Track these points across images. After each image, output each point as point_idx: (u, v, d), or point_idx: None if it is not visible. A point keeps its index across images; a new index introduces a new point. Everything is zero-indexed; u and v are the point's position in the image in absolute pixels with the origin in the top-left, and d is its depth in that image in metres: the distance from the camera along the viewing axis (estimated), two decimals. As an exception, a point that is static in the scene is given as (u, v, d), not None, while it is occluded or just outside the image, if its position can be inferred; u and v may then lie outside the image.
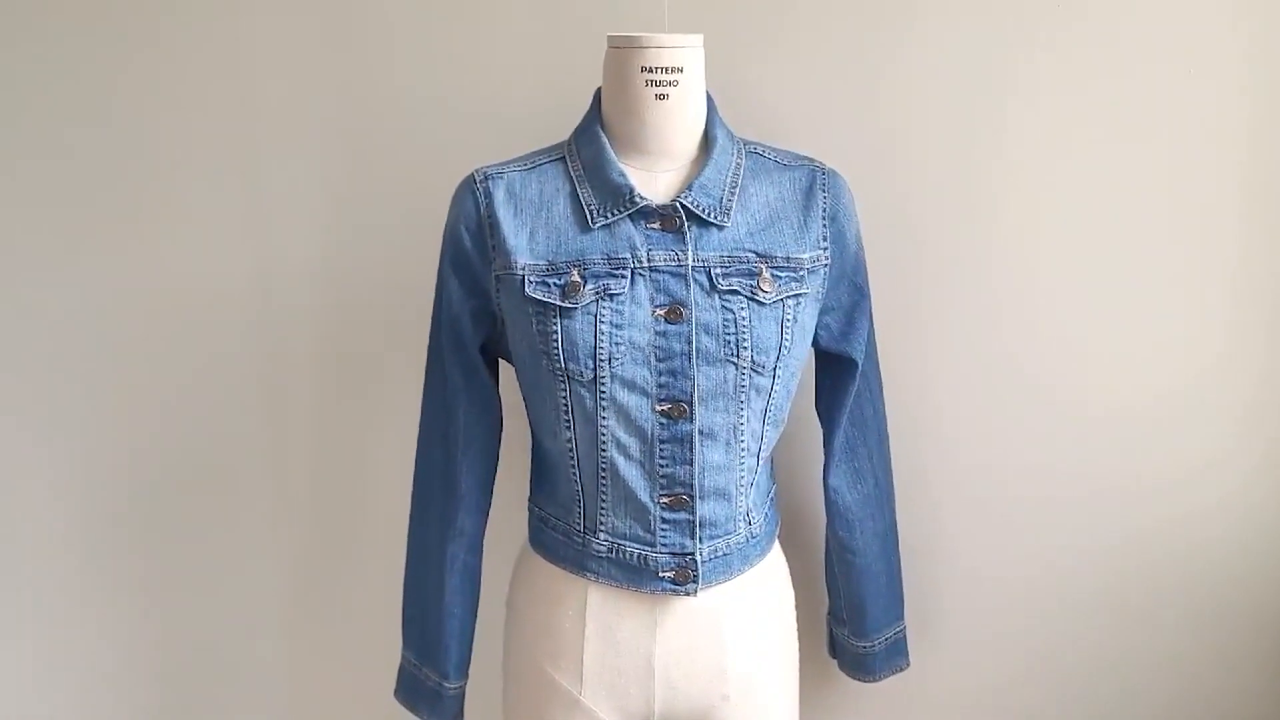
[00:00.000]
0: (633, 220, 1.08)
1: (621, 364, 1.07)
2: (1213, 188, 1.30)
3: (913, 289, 1.37)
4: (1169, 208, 1.31)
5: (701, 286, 1.07)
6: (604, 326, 1.06)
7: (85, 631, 1.66)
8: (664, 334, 1.07)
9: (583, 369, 1.07)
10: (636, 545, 1.12)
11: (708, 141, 1.13)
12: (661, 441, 1.09)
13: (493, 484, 1.23)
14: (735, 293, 1.08)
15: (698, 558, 1.12)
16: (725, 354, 1.08)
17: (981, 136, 1.33)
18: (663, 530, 1.11)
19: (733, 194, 1.11)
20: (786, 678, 1.23)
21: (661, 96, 1.10)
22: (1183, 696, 1.42)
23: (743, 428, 1.10)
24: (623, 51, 1.10)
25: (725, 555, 1.14)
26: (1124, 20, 1.28)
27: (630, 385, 1.08)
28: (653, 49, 1.08)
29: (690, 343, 1.07)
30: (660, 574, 1.12)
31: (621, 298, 1.07)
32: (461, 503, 1.20)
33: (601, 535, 1.13)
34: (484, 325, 1.16)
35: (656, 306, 1.07)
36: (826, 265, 1.14)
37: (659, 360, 1.07)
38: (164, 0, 1.45)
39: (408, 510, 1.26)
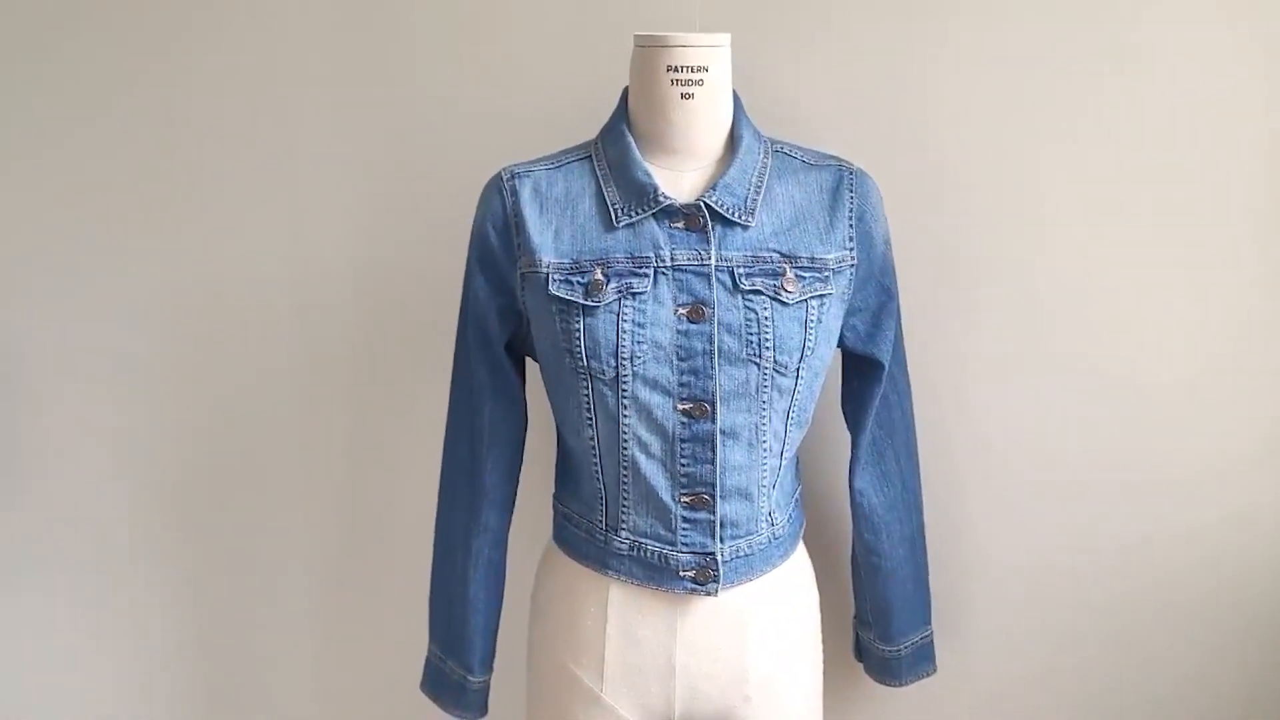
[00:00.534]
0: (657, 219, 1.09)
1: (644, 363, 1.07)
2: (1250, 175, 1.27)
3: (943, 290, 1.35)
4: (1206, 199, 1.28)
5: (724, 286, 1.07)
6: (626, 325, 1.07)
7: (134, 616, 1.70)
8: (686, 333, 1.07)
9: (605, 367, 1.07)
10: (658, 544, 1.12)
11: (733, 141, 1.13)
12: (683, 440, 1.09)
13: (517, 480, 1.24)
14: (758, 293, 1.07)
15: (719, 557, 1.11)
16: (747, 354, 1.07)
17: (1012, 135, 1.31)
18: (684, 529, 1.11)
19: (758, 193, 1.10)
20: (809, 680, 1.22)
21: (687, 96, 1.10)
22: (1219, 711, 1.39)
23: (765, 428, 1.10)
24: (648, 51, 1.10)
25: (747, 555, 1.14)
26: (1155, 20, 1.26)
27: (652, 384, 1.08)
28: (678, 48, 1.08)
29: (712, 342, 1.07)
30: (681, 573, 1.12)
31: (644, 296, 1.07)
32: (486, 498, 1.21)
33: (623, 533, 1.13)
34: (509, 323, 1.17)
35: (679, 306, 1.07)
36: (853, 266, 1.13)
37: (681, 359, 1.07)
38: (202, 5, 1.48)
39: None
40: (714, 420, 1.08)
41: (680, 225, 1.08)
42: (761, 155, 1.13)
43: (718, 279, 1.07)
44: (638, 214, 1.08)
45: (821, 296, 1.10)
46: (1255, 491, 1.34)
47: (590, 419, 1.11)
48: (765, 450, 1.11)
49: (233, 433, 1.61)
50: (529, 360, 1.22)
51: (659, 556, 1.12)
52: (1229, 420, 1.33)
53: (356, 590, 1.63)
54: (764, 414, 1.10)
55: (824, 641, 1.31)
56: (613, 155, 1.12)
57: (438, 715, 1.31)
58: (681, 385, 1.08)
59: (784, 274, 1.08)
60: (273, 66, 1.48)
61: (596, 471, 1.13)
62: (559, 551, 1.21)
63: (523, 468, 1.26)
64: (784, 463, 1.14)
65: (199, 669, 1.71)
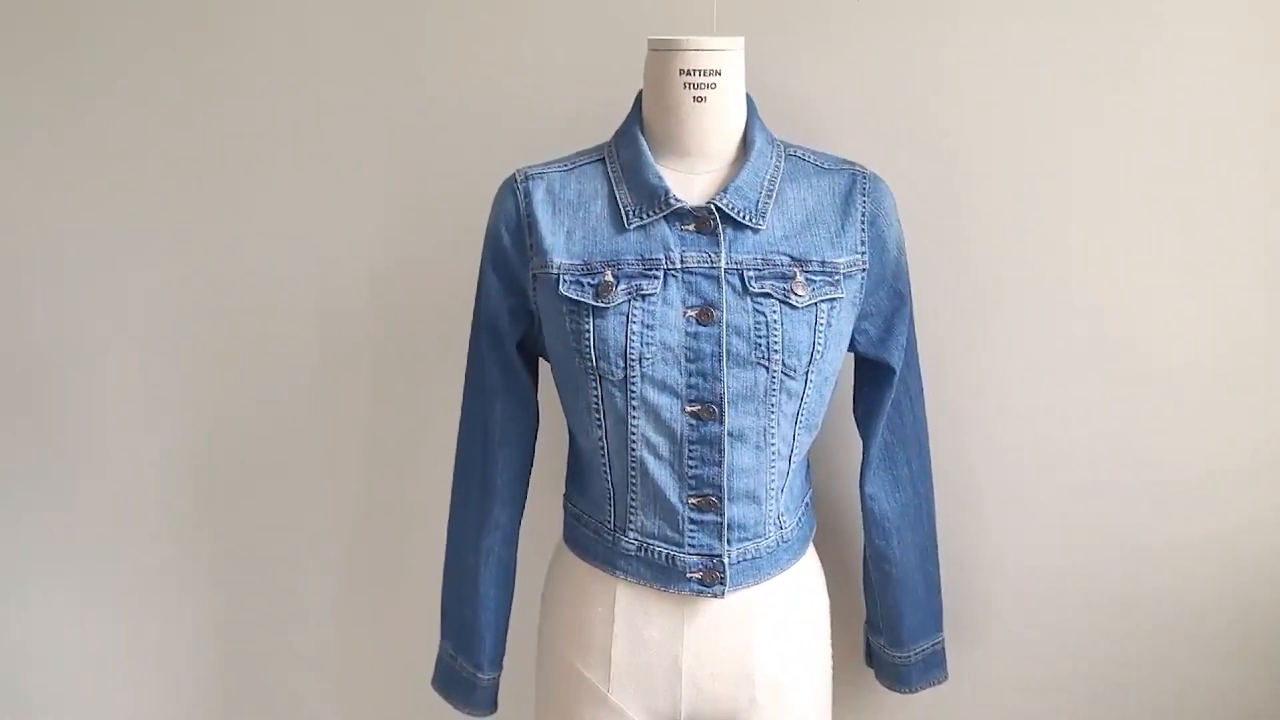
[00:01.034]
0: (668, 221, 1.09)
1: (652, 364, 1.08)
2: (1274, 175, 1.25)
3: (958, 295, 1.34)
4: (1227, 200, 1.27)
5: (734, 289, 1.08)
6: (635, 326, 1.07)
7: (156, 614, 1.73)
8: (695, 335, 1.07)
9: (613, 368, 1.08)
10: (665, 545, 1.13)
11: (746, 144, 1.13)
12: (691, 442, 1.09)
13: (528, 479, 1.25)
14: (767, 295, 1.07)
15: (725, 560, 1.12)
16: (756, 357, 1.07)
17: (1028, 138, 1.30)
18: (691, 531, 1.12)
19: (769, 197, 1.10)
20: (817, 684, 1.22)
21: (700, 99, 1.10)
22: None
23: (773, 431, 1.10)
24: (661, 54, 1.10)
25: (754, 558, 1.14)
26: (1173, 21, 1.25)
27: (660, 385, 1.08)
28: (691, 51, 1.09)
29: (720, 344, 1.07)
30: (688, 575, 1.12)
31: (653, 298, 1.08)
32: (497, 497, 1.22)
33: (631, 534, 1.14)
34: (521, 323, 1.18)
35: (688, 308, 1.08)
36: (864, 270, 1.13)
37: (689, 361, 1.08)
38: (226, 8, 1.51)
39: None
40: (722, 422, 1.08)
41: (691, 228, 1.09)
42: (774, 159, 1.13)
43: (727, 281, 1.07)
44: (649, 216, 1.09)
45: (832, 300, 1.10)
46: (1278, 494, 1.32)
47: (599, 420, 1.11)
48: (773, 453, 1.11)
49: (253, 432, 1.63)
50: (542, 360, 1.23)
51: (666, 557, 1.13)
52: (1250, 423, 1.31)
53: (376, 587, 1.64)
54: (772, 417, 1.10)
55: (835, 647, 1.30)
56: (625, 157, 1.13)
57: (454, 712, 1.33)
58: (690, 387, 1.08)
59: (794, 277, 1.08)
60: (295, 69, 1.50)
61: (605, 472, 1.14)
62: (568, 551, 1.22)
63: (536, 467, 1.27)
64: (793, 466, 1.14)
65: (221, 665, 1.73)
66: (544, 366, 1.23)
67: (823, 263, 1.10)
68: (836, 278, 1.10)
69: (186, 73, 1.53)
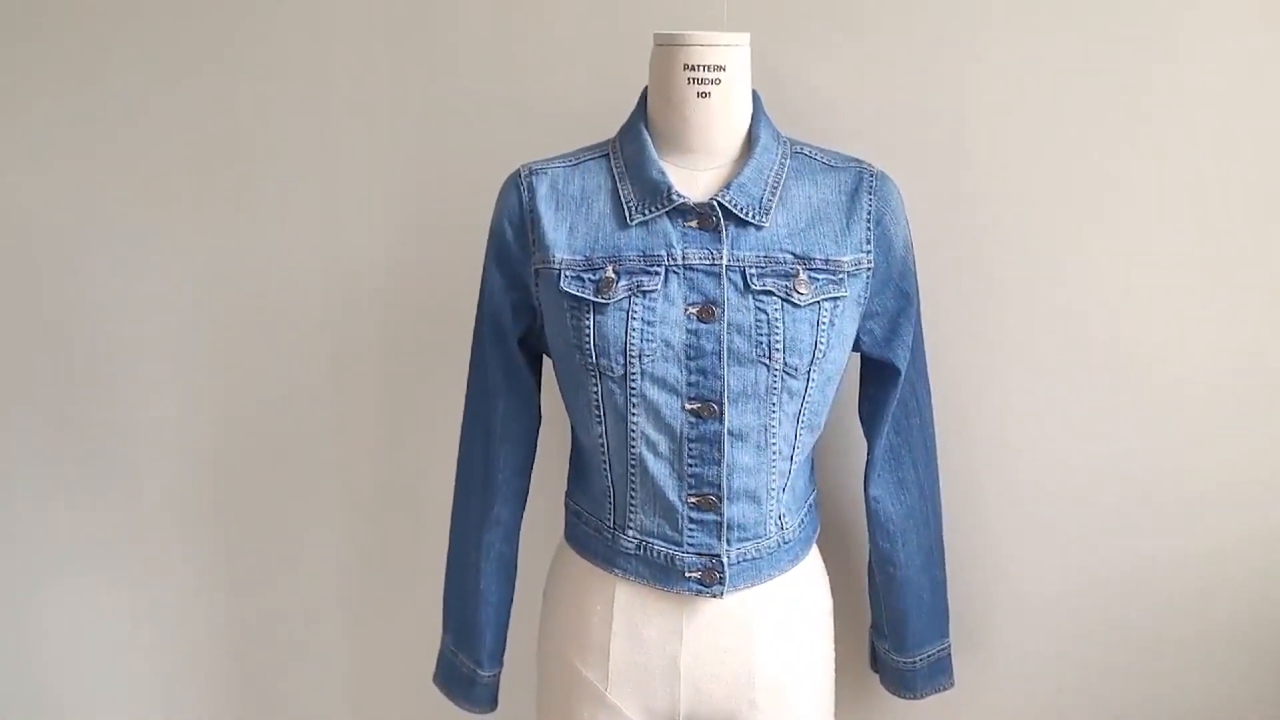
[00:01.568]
0: (670, 218, 1.08)
1: (652, 361, 1.07)
2: None
3: (968, 296, 1.33)
4: (1244, 203, 1.24)
5: (735, 286, 1.07)
6: (635, 323, 1.07)
7: (166, 609, 1.75)
8: (695, 332, 1.07)
9: (613, 364, 1.07)
10: (664, 544, 1.12)
11: (751, 140, 1.12)
12: (690, 440, 1.08)
13: (530, 475, 1.25)
14: (769, 293, 1.06)
15: (724, 560, 1.11)
16: (757, 355, 1.06)
17: (1042, 138, 1.28)
18: (690, 530, 1.11)
19: (773, 194, 1.09)
20: (819, 688, 1.20)
21: (704, 95, 1.09)
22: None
23: (774, 430, 1.09)
24: (666, 49, 1.10)
25: (755, 559, 1.13)
26: (1188, 21, 1.22)
27: (660, 383, 1.07)
28: (696, 47, 1.08)
29: (721, 342, 1.06)
30: (687, 574, 1.11)
31: (654, 295, 1.07)
32: (498, 492, 1.22)
33: (630, 532, 1.13)
34: (524, 318, 1.17)
35: (689, 305, 1.07)
36: (869, 269, 1.12)
37: (689, 359, 1.07)
38: (239, 11, 1.52)
39: (457, 498, 1.29)
40: (722, 421, 1.07)
41: (693, 224, 1.08)
42: (779, 155, 1.12)
43: (729, 279, 1.06)
44: (651, 212, 1.08)
45: (835, 299, 1.09)
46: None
47: (599, 416, 1.11)
48: (775, 453, 1.10)
49: (264, 428, 1.64)
50: (545, 356, 1.23)
51: (665, 557, 1.12)
52: (1267, 434, 1.28)
53: (388, 582, 1.65)
54: (773, 416, 1.09)
55: (840, 650, 1.29)
56: (629, 153, 1.12)
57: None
58: (690, 385, 1.07)
59: (797, 275, 1.07)
60: (308, 70, 1.51)
61: (605, 469, 1.13)
62: (569, 549, 1.22)
63: (541, 464, 1.27)
64: (795, 466, 1.13)
65: (233, 659, 1.75)
66: (547, 362, 1.22)
67: (826, 261, 1.09)
68: (840, 276, 1.09)
69: (201, 76, 1.55)
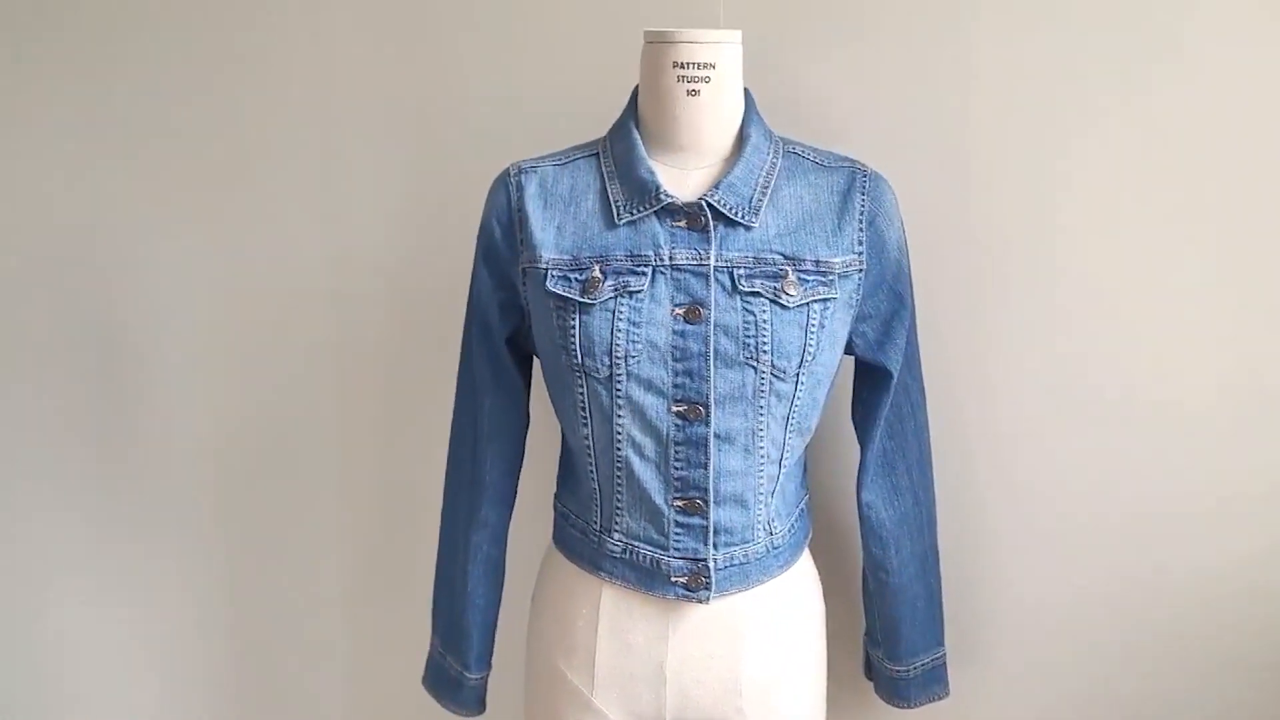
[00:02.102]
0: (659, 217, 1.07)
1: (638, 362, 1.05)
2: None
3: (965, 299, 1.30)
4: (1245, 210, 1.21)
5: (723, 287, 1.05)
6: (621, 324, 1.05)
7: (170, 611, 1.75)
8: (682, 334, 1.05)
9: (599, 365, 1.06)
10: (650, 548, 1.10)
11: (742, 140, 1.11)
12: (677, 443, 1.07)
13: (518, 476, 1.24)
14: (757, 295, 1.05)
15: (711, 565, 1.09)
16: (744, 357, 1.05)
17: (1040, 139, 1.25)
18: (676, 534, 1.09)
19: (763, 194, 1.08)
20: (809, 696, 1.18)
21: (693, 93, 1.08)
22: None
23: (762, 433, 1.07)
24: (656, 47, 1.08)
25: (742, 564, 1.11)
26: (1186, 25, 1.20)
27: (647, 384, 1.06)
28: (685, 44, 1.07)
29: (708, 344, 1.05)
30: (673, 579, 1.10)
31: (641, 295, 1.05)
32: (485, 493, 1.21)
33: (616, 535, 1.12)
34: (511, 318, 1.16)
35: (676, 306, 1.05)
36: (861, 271, 1.10)
37: (676, 360, 1.05)
38: (241, 12, 1.52)
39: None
40: (708, 424, 1.06)
41: (682, 224, 1.06)
42: (771, 155, 1.10)
43: (716, 279, 1.05)
44: (639, 211, 1.07)
45: (825, 300, 1.07)
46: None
47: (585, 418, 1.09)
48: (763, 457, 1.08)
49: (266, 426, 1.64)
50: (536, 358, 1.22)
51: (651, 561, 1.10)
52: (1268, 444, 1.25)
53: (388, 581, 1.64)
54: (761, 419, 1.07)
55: (835, 659, 1.27)
56: (619, 152, 1.11)
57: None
58: (676, 386, 1.06)
59: (786, 276, 1.05)
60: (309, 69, 1.51)
61: (592, 471, 1.12)
62: (557, 552, 1.20)
63: (534, 467, 1.26)
64: (784, 470, 1.11)
65: (232, 657, 1.75)
66: (537, 364, 1.21)
67: (817, 262, 1.07)
68: (831, 278, 1.07)
69: (204, 79, 1.55)
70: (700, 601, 1.10)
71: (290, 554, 1.68)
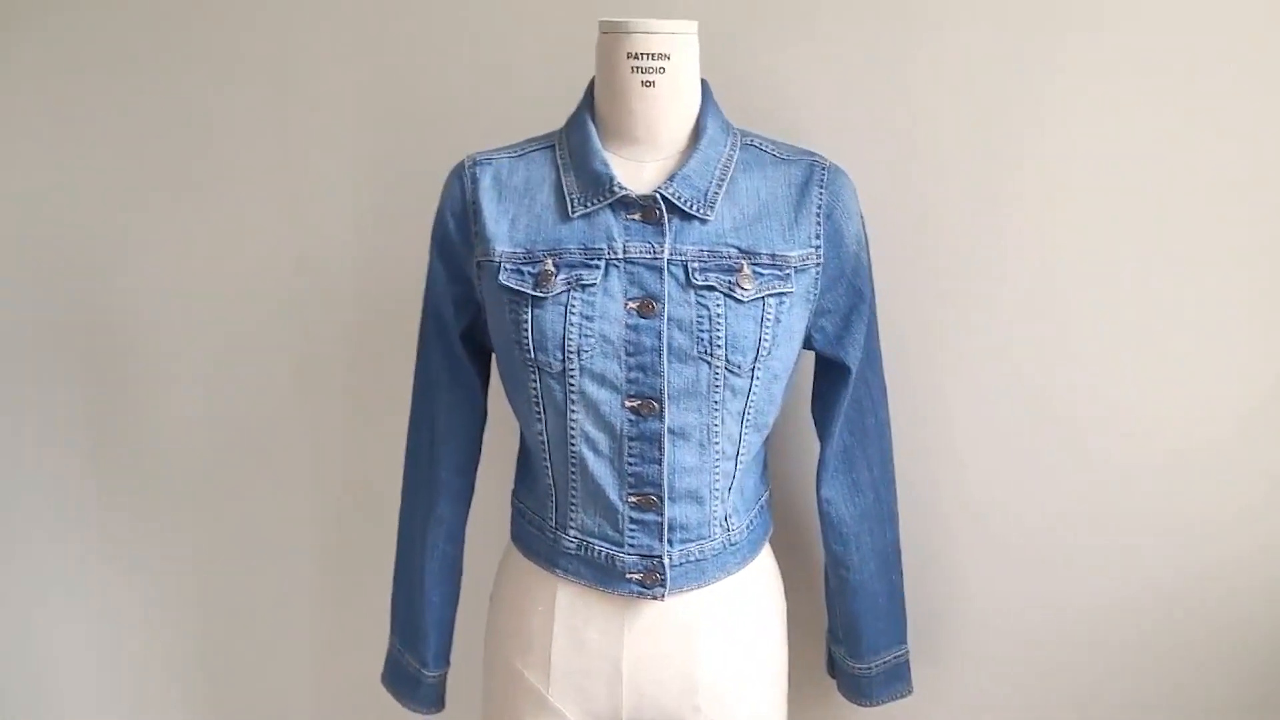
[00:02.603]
0: (613, 210, 1.05)
1: (591, 357, 1.04)
2: (1256, 180, 1.18)
3: (927, 293, 1.29)
4: (1208, 205, 1.20)
5: (677, 280, 1.04)
6: (574, 318, 1.04)
7: (136, 600, 1.74)
8: (635, 328, 1.04)
9: (551, 360, 1.05)
10: (604, 544, 1.09)
11: (698, 132, 1.09)
12: (630, 439, 1.06)
13: (474, 473, 1.22)
14: (711, 288, 1.03)
15: (665, 561, 1.08)
16: (698, 351, 1.03)
17: (1004, 137, 1.24)
18: (631, 530, 1.08)
19: (719, 187, 1.06)
20: (768, 695, 1.17)
21: (648, 84, 1.06)
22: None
23: (717, 429, 1.06)
24: (610, 37, 1.07)
25: (698, 560, 1.10)
26: (1145, 18, 1.18)
27: (600, 379, 1.05)
28: (639, 34, 1.05)
29: (661, 338, 1.03)
30: (628, 575, 1.09)
31: (594, 289, 1.04)
32: (440, 490, 1.20)
33: (571, 532, 1.10)
34: (466, 313, 1.15)
35: (629, 299, 1.04)
36: (819, 265, 1.09)
37: (629, 355, 1.04)
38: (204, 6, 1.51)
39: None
40: (662, 419, 1.05)
41: (636, 217, 1.05)
42: (728, 148, 1.09)
43: (670, 273, 1.04)
44: (593, 204, 1.05)
45: (781, 295, 1.06)
46: (1266, 525, 1.25)
47: (540, 413, 1.08)
48: (719, 452, 1.07)
49: (231, 425, 1.63)
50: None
51: (606, 557, 1.09)
52: (1239, 440, 1.24)
53: (356, 580, 1.63)
54: (716, 414, 1.06)
55: (799, 656, 1.26)
56: (574, 144, 1.09)
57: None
58: (629, 381, 1.05)
59: (740, 270, 1.04)
60: (274, 65, 1.50)
61: (547, 467, 1.10)
62: (515, 549, 1.19)
63: (497, 464, 1.24)
64: (741, 466, 1.10)
65: (201, 657, 1.74)
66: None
67: (773, 256, 1.06)
68: (787, 271, 1.06)
69: (168, 74, 1.54)
70: (656, 598, 1.09)
71: (258, 551, 1.67)
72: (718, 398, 1.05)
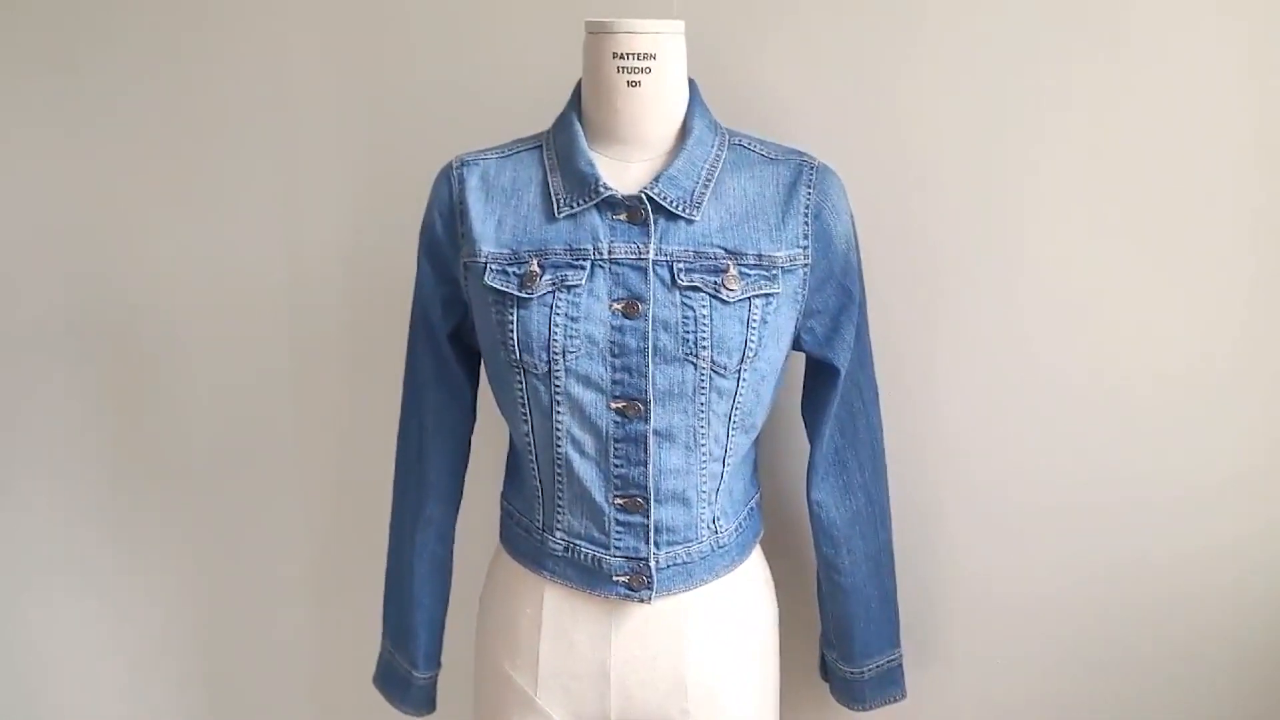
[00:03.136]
0: (599, 211, 1.05)
1: (576, 358, 1.04)
2: (1244, 173, 1.17)
3: (918, 293, 1.28)
4: (1197, 198, 1.18)
5: (662, 281, 1.03)
6: (559, 319, 1.03)
7: (135, 598, 1.75)
8: (620, 329, 1.03)
9: (537, 361, 1.04)
10: (591, 546, 1.09)
11: (685, 132, 1.08)
12: (616, 440, 1.05)
13: (463, 474, 1.22)
14: (697, 289, 1.03)
15: (652, 564, 1.07)
16: (683, 353, 1.03)
17: (993, 136, 1.23)
18: (617, 533, 1.07)
19: (706, 187, 1.06)
20: (758, 698, 1.16)
21: (634, 84, 1.06)
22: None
23: (704, 431, 1.05)
24: (596, 37, 1.06)
25: (686, 563, 1.09)
26: (1135, 20, 1.17)
27: (585, 380, 1.04)
28: (624, 34, 1.04)
29: (646, 339, 1.03)
30: (614, 578, 1.08)
31: (579, 290, 1.03)
32: (430, 491, 1.20)
33: (558, 533, 1.10)
34: (454, 313, 1.14)
35: (614, 300, 1.03)
36: (807, 265, 1.08)
37: (614, 356, 1.03)
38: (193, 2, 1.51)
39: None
40: (647, 421, 1.04)
41: (622, 217, 1.04)
42: (715, 147, 1.08)
43: (655, 274, 1.03)
44: (579, 205, 1.05)
45: (767, 296, 1.05)
46: (1256, 510, 1.23)
47: (526, 415, 1.08)
48: (705, 454, 1.07)
49: (225, 426, 1.63)
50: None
51: (592, 559, 1.09)
52: (1226, 433, 1.22)
53: (350, 578, 1.63)
54: (702, 416, 1.05)
55: (792, 660, 1.25)
56: (560, 144, 1.09)
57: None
58: (615, 383, 1.04)
59: (726, 270, 1.03)
60: (267, 61, 1.50)
61: (534, 469, 1.10)
62: (504, 551, 1.19)
63: (489, 466, 1.24)
64: (728, 468, 1.09)
65: (194, 656, 1.74)
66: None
67: (759, 256, 1.05)
68: (774, 272, 1.05)
69: (160, 70, 1.54)
70: (642, 601, 1.08)
71: (250, 551, 1.67)
72: (704, 399, 1.04)
